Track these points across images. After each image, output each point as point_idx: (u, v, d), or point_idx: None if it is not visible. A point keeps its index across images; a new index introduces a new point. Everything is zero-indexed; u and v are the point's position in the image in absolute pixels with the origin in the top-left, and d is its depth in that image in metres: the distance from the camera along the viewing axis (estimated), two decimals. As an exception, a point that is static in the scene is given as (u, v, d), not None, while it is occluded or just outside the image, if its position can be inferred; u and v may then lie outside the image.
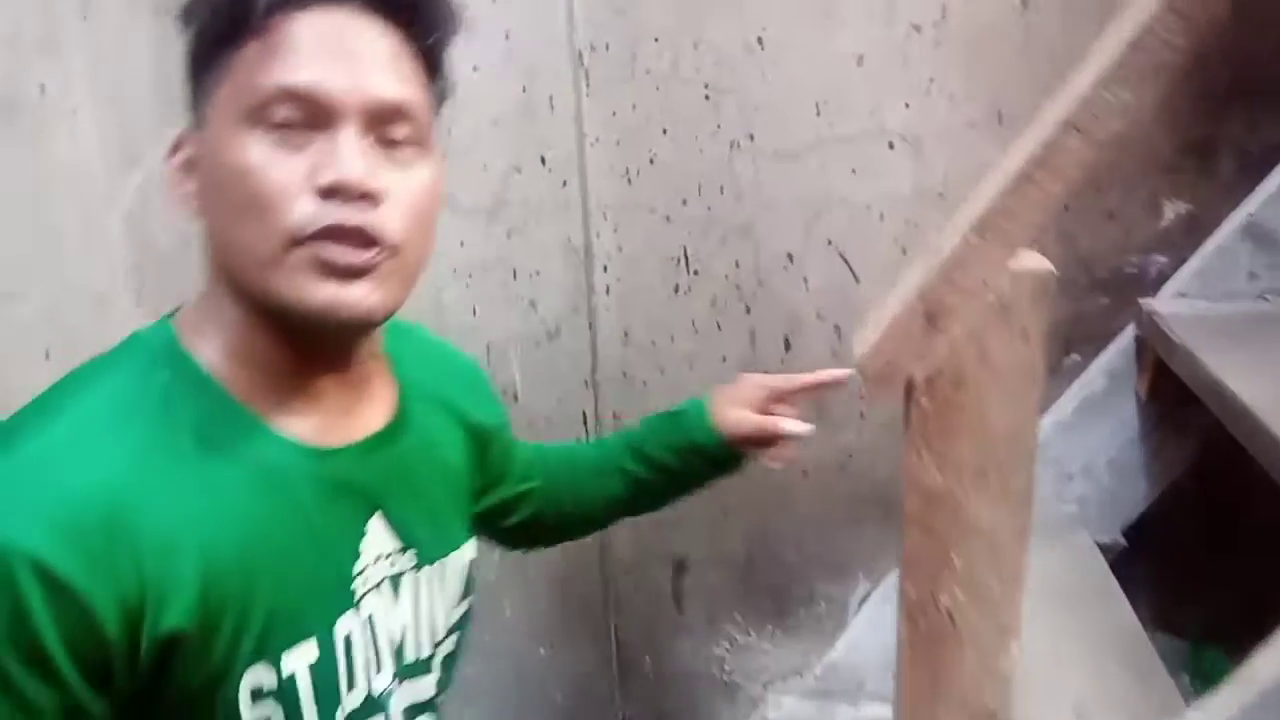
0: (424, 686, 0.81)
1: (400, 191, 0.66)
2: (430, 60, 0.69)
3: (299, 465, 0.69)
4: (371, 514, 0.74)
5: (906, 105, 1.38)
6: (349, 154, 0.63)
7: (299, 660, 0.68)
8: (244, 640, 0.65)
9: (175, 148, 0.69)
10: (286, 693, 0.67)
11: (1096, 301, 1.44)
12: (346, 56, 0.64)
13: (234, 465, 0.66)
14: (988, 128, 1.37)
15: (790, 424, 0.99)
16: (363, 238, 0.63)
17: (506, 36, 1.40)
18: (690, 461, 1.01)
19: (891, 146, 1.40)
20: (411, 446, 0.78)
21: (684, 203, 1.46)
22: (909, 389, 0.71)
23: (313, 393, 0.71)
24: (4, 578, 0.57)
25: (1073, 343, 1.45)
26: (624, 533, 1.57)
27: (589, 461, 1.05)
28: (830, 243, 1.44)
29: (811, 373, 1.00)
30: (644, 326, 1.51)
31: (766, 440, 1.00)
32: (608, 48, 1.41)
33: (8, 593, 0.57)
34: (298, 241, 0.63)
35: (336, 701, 0.71)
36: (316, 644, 0.69)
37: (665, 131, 1.43)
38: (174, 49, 0.67)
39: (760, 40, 1.38)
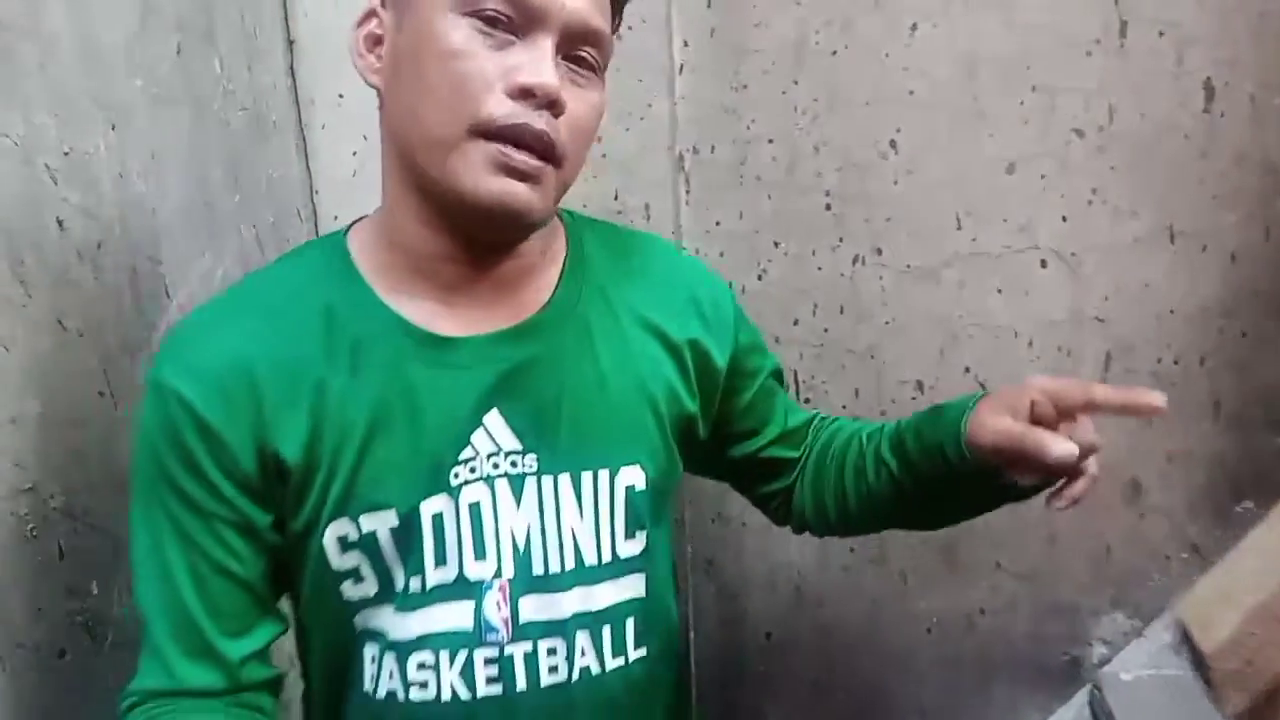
0: (557, 607, 0.77)
1: (577, 109, 0.70)
2: (616, 5, 0.74)
3: (412, 348, 0.73)
4: (489, 408, 0.75)
5: (1063, 218, 1.19)
6: (548, 63, 0.67)
7: (378, 522, 0.73)
8: (331, 491, 0.73)
9: (364, 19, 0.73)
10: (368, 544, 0.74)
11: (1272, 441, 1.24)
12: None
13: (351, 338, 0.73)
14: (1156, 245, 1.18)
15: (1053, 441, 0.69)
16: (542, 142, 0.67)
17: (599, 139, 1.21)
18: (936, 466, 0.79)
19: (1044, 264, 1.20)
20: (566, 348, 0.77)
21: (795, 323, 1.27)
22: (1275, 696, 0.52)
23: (445, 281, 0.74)
24: (166, 409, 0.71)
25: (1243, 487, 1.26)
26: (716, 692, 1.37)
27: (854, 439, 0.89)
28: (968, 370, 1.25)
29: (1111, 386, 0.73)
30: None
31: (1020, 458, 0.71)
32: (713, 150, 1.22)
33: (169, 420, 0.71)
34: (480, 133, 0.67)
35: (419, 569, 0.74)
36: (396, 515, 0.73)
37: (777, 244, 1.24)
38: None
39: (894, 144, 1.18)
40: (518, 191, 0.68)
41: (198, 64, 1.06)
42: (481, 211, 0.69)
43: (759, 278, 1.26)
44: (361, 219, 0.80)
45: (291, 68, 1.23)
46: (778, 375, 0.92)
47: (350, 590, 0.76)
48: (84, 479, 0.85)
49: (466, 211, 0.70)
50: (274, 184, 1.20)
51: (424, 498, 0.74)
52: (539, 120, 0.67)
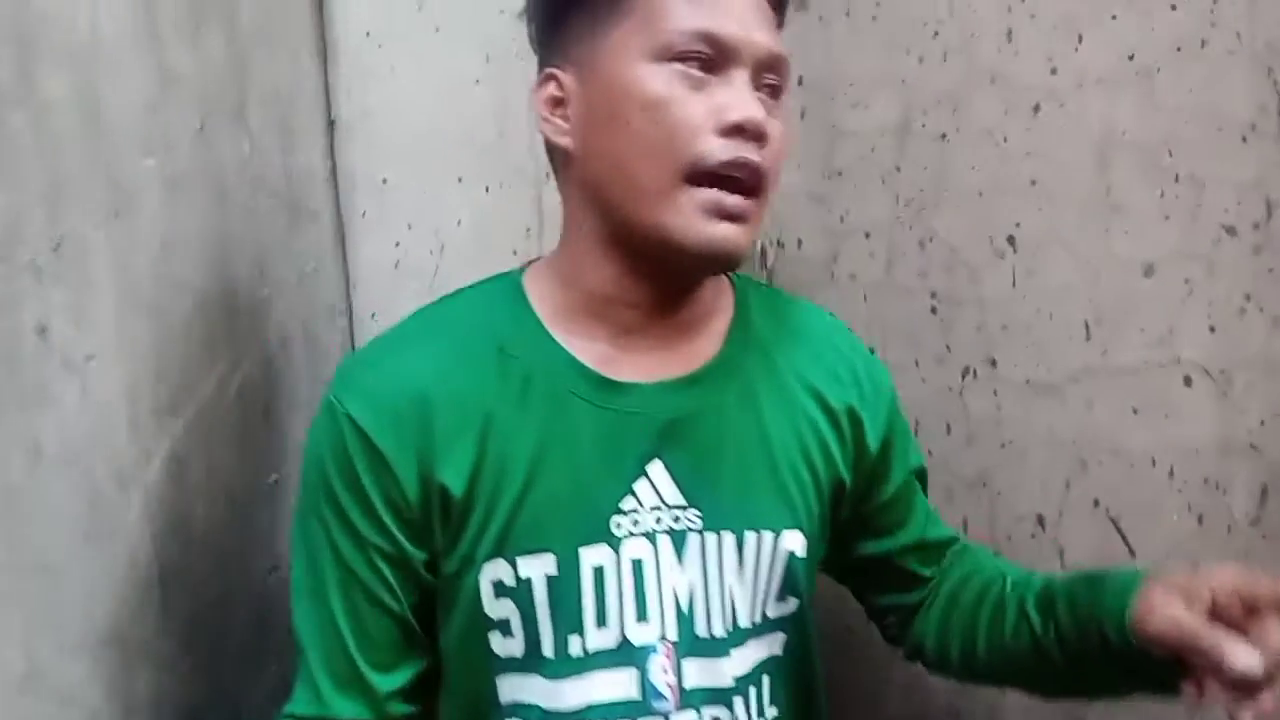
0: (719, 673, 0.76)
1: (775, 135, 0.71)
2: (780, 10, 0.76)
3: (582, 387, 0.74)
4: (652, 457, 0.75)
5: (1211, 328, 1.02)
6: (750, 97, 0.70)
7: (535, 568, 0.73)
8: (489, 527, 0.73)
9: (543, 82, 0.75)
10: (521, 595, 0.73)
11: None
12: (745, 8, 0.72)
13: (522, 373, 0.74)
14: (1324, 359, 1.00)
15: (1236, 648, 0.62)
16: (758, 175, 0.69)
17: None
18: (1089, 642, 0.73)
19: (1188, 382, 1.03)
20: (731, 402, 0.77)
21: (895, 443, 1.10)
22: None
23: (620, 325, 0.75)
24: (337, 429, 0.74)
25: None
26: None
27: (996, 581, 0.84)
28: (1097, 504, 1.07)
29: None
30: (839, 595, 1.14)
31: (1192, 657, 0.64)
32: (800, 244, 1.08)
33: (340, 439, 0.74)
34: (695, 177, 0.69)
35: (577, 627, 0.73)
36: (555, 560, 0.73)
37: (873, 351, 1.08)
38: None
39: (1012, 240, 1.03)
40: (730, 235, 0.70)
41: (224, 143, 0.93)
42: (696, 258, 0.71)
43: (852, 390, 1.10)
44: (536, 260, 0.81)
45: (331, 149, 1.11)
46: (921, 476, 0.89)
47: (498, 644, 0.75)
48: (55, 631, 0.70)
49: (679, 258, 0.72)
50: (306, 279, 1.07)
51: (583, 544, 0.73)
52: (755, 153, 0.69)
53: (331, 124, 1.10)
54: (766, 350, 0.80)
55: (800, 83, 1.06)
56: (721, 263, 0.73)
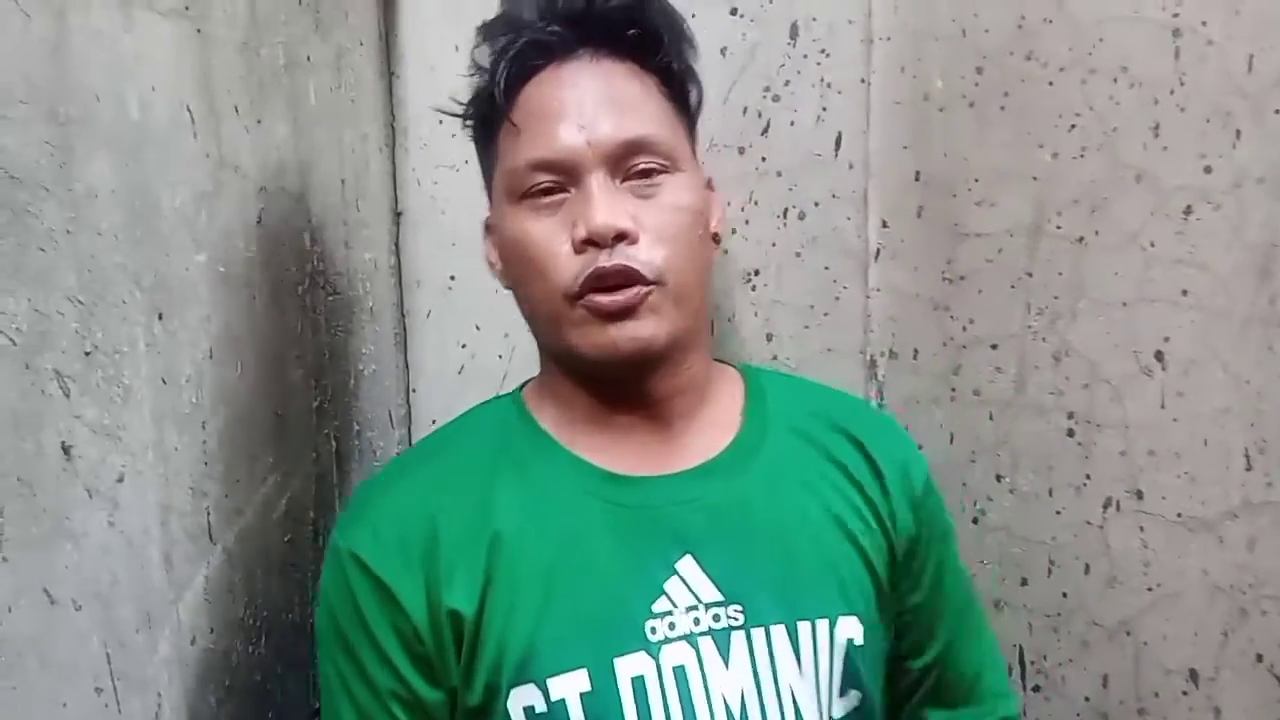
0: None
1: (654, 223, 0.69)
2: (667, 76, 0.73)
3: (597, 488, 0.72)
4: (681, 554, 0.71)
5: (1398, 460, 0.88)
6: (595, 203, 0.68)
7: (569, 687, 0.68)
8: (510, 650, 0.68)
9: (486, 231, 0.78)
10: (556, 717, 0.68)
11: None
12: (581, 111, 0.70)
13: (532, 484, 0.72)
14: None
15: None
16: (626, 275, 0.67)
17: (769, 338, 0.97)
18: None
19: (1373, 521, 0.89)
20: (757, 487, 0.74)
21: (1024, 584, 0.97)
22: None
23: (620, 428, 0.74)
24: (341, 572, 0.71)
25: None
26: None
27: None
28: (1261, 659, 0.92)
29: None
30: None
31: None
32: (915, 355, 0.97)
33: (345, 582, 0.71)
34: (572, 297, 0.68)
35: None
36: (588, 676, 0.68)
37: (1000, 478, 0.96)
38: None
39: (1160, 356, 0.91)
40: (629, 331, 0.68)
41: (283, 236, 0.84)
42: (608, 365, 0.69)
43: (975, 521, 0.97)
44: (531, 380, 0.80)
45: (396, 244, 1.02)
46: (963, 600, 0.83)
47: None
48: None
49: (597, 368, 0.71)
50: (364, 382, 0.97)
51: (618, 655, 0.69)
52: (610, 258, 0.67)
53: (398, 216, 1.02)
54: (790, 431, 0.77)
55: (917, 178, 0.95)
56: (636, 360, 0.70)
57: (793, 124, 0.96)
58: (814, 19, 0.94)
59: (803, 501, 0.75)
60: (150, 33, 0.68)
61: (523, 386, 0.79)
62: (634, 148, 0.69)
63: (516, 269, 0.72)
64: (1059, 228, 0.92)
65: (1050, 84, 0.91)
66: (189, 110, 0.72)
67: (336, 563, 0.71)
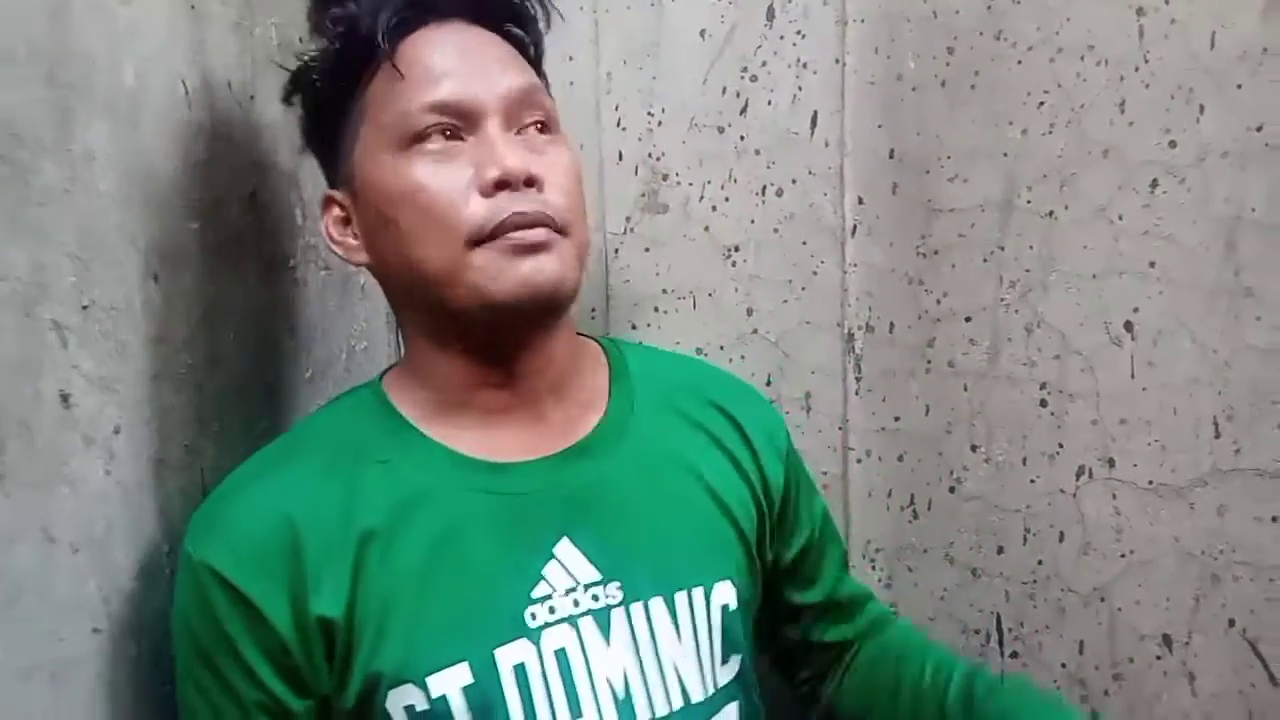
0: None
1: (554, 174, 0.68)
2: (534, 58, 0.75)
3: (466, 478, 0.69)
4: (558, 537, 0.70)
5: (1364, 426, 0.90)
6: (504, 147, 0.67)
7: (450, 683, 0.65)
8: (386, 651, 0.65)
9: (325, 208, 0.74)
10: (440, 716, 0.65)
11: None
12: (472, 61, 0.69)
13: (398, 479, 0.69)
14: None
15: None
16: (540, 218, 0.66)
17: (749, 312, 0.99)
18: None
19: (1340, 487, 0.91)
20: (628, 464, 0.73)
21: (1000, 551, 0.98)
22: None
23: (487, 408, 0.71)
24: (198, 584, 0.65)
25: None
26: None
27: (918, 667, 0.84)
28: (1233, 624, 0.94)
29: None
30: None
31: None
32: (892, 329, 0.99)
33: (202, 595, 0.65)
34: (478, 242, 0.65)
35: None
36: (470, 669, 0.66)
37: (975, 448, 0.98)
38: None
39: (1130, 326, 0.93)
40: (543, 265, 0.66)
41: (276, 211, 0.87)
42: (517, 304, 0.66)
43: (951, 490, 0.99)
44: (392, 366, 0.77)
45: (386, 223, 1.04)
46: (827, 523, 0.89)
47: None
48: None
49: (500, 314, 0.67)
50: (355, 357, 0.99)
51: (498, 645, 0.67)
52: (525, 202, 0.66)
53: (389, 197, 1.04)
54: (655, 403, 0.77)
55: (891, 155, 0.98)
56: (544, 298, 0.67)
57: (770, 103, 0.98)
58: (790, 1, 0.97)
59: (672, 473, 0.75)
60: (146, 5, 0.71)
61: (382, 376, 0.76)
62: (528, 97, 0.69)
63: (401, 222, 0.67)
64: (1029, 202, 0.94)
65: (1019, 63, 0.93)
66: (183, 82, 0.75)
67: (191, 576, 0.66)
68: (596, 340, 0.81)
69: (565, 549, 0.70)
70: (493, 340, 0.70)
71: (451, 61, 0.69)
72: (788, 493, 0.82)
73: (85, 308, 0.64)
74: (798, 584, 0.86)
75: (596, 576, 0.70)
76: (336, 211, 0.73)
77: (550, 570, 0.69)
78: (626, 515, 0.72)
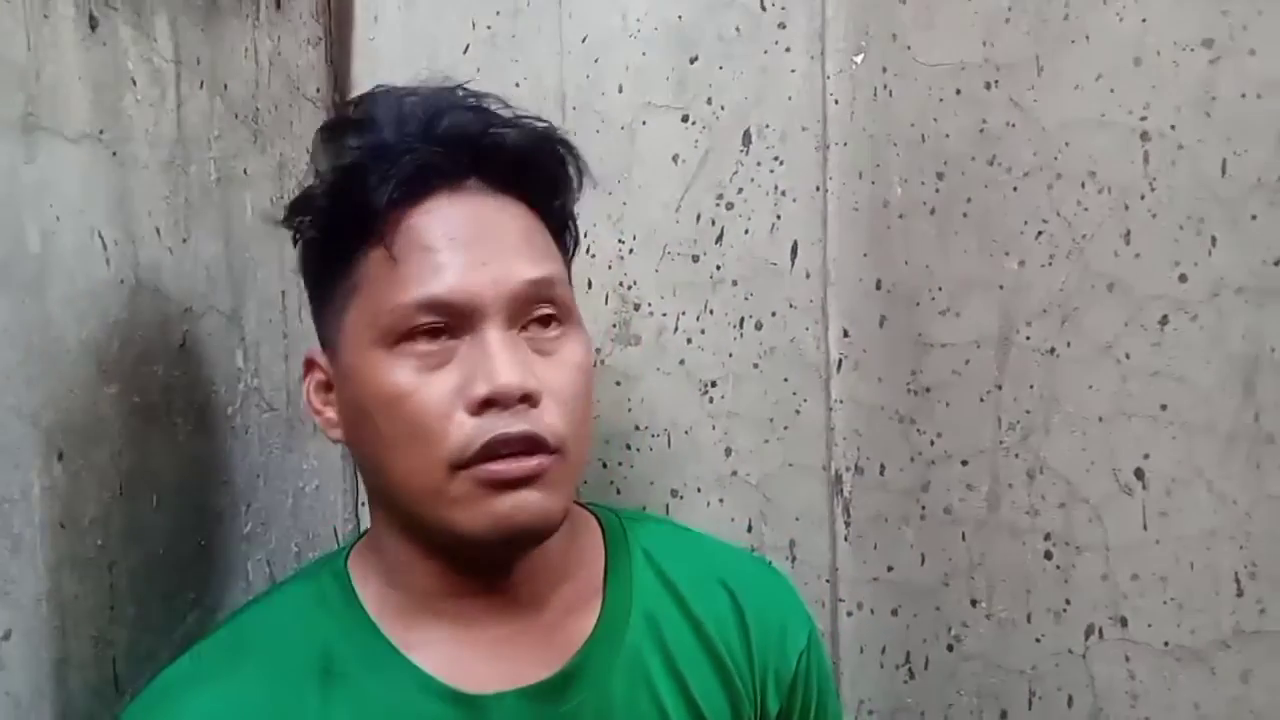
0: None
1: (556, 383, 0.61)
2: (560, 220, 0.67)
3: (431, 708, 0.61)
4: None
5: (1403, 587, 0.83)
6: (500, 359, 0.59)
7: None
8: None
9: (307, 369, 0.66)
10: None
11: None
12: (479, 246, 0.61)
13: (354, 695, 0.61)
14: None
15: None
16: (528, 443, 0.59)
17: (728, 452, 0.92)
18: None
19: (1378, 653, 0.83)
20: (613, 695, 0.64)
21: (1003, 715, 0.91)
22: None
23: (464, 619, 0.64)
24: None
25: None
26: None
27: None
28: (1263, 807, 0.85)
29: None
30: None
31: None
32: (882, 471, 0.92)
33: None
34: (461, 466, 0.58)
35: None
36: None
37: (975, 603, 0.90)
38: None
39: (1141, 474, 0.86)
40: (522, 502, 0.59)
41: (211, 357, 0.81)
42: (493, 544, 0.60)
43: (949, 649, 0.91)
44: (362, 536, 0.68)
45: (342, 354, 0.98)
46: None
47: None
48: None
49: (476, 549, 0.61)
50: (304, 499, 0.93)
51: None
52: (515, 424, 0.58)
53: (345, 326, 0.98)
54: (653, 597, 0.68)
55: (878, 286, 0.91)
56: (524, 538, 0.61)
57: (747, 232, 0.92)
58: (767, 125, 0.91)
59: (668, 699, 0.66)
60: (56, 160, 0.66)
61: (347, 554, 0.67)
62: (539, 290, 0.61)
63: (382, 429, 0.60)
64: (1028, 338, 0.88)
65: (1015, 189, 0.87)
66: (100, 236, 0.69)
67: None
68: (591, 511, 0.72)
69: None
70: (473, 558, 0.63)
71: (454, 246, 0.60)
72: (786, 710, 0.72)
73: (-31, 509, 0.58)
74: None
75: None
76: (319, 376, 0.65)
77: None
78: None
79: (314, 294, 0.66)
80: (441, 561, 0.63)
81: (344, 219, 0.62)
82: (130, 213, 0.72)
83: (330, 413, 0.64)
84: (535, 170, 0.64)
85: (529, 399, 0.59)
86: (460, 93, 0.64)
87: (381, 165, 0.60)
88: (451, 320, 0.59)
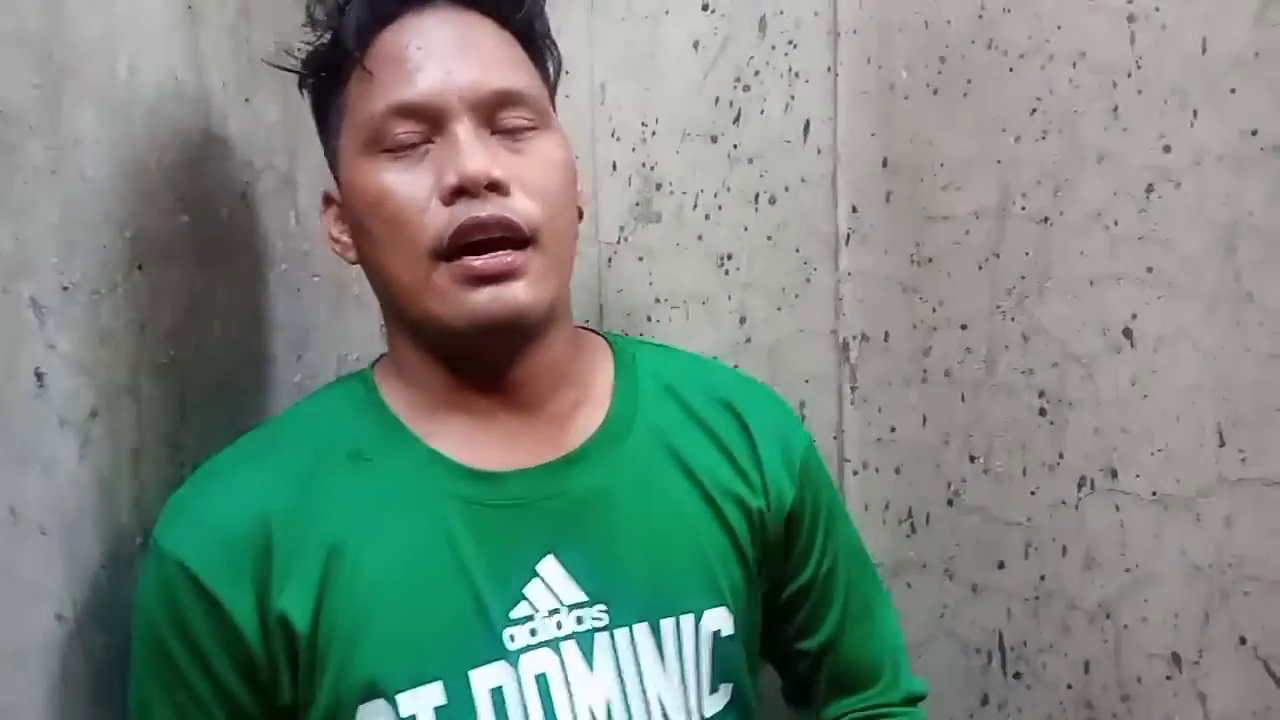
0: None
1: (528, 175, 0.64)
2: (529, 37, 0.69)
3: (452, 485, 0.66)
4: (543, 554, 0.66)
5: (1373, 434, 0.88)
6: (466, 149, 0.62)
7: (421, 702, 0.62)
8: (356, 664, 0.62)
9: (325, 203, 0.72)
10: None
11: None
12: (444, 56, 0.65)
13: (380, 479, 0.66)
14: None
15: None
16: (502, 224, 0.62)
17: (742, 321, 0.98)
18: None
19: (1351, 497, 0.88)
20: (625, 472, 0.69)
21: (1000, 566, 0.96)
22: None
23: (477, 411, 0.68)
24: (164, 577, 0.63)
25: None
26: None
27: None
28: (1244, 641, 0.90)
29: None
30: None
31: None
32: (887, 337, 0.98)
33: (167, 589, 0.63)
34: (439, 255, 0.62)
35: None
36: (443, 690, 0.63)
37: (974, 459, 0.96)
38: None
39: (1129, 333, 0.92)
40: (502, 295, 0.63)
41: (269, 212, 0.88)
42: (473, 334, 0.64)
43: (949, 503, 0.97)
44: (382, 356, 0.73)
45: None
46: (859, 568, 0.80)
47: None
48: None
49: (461, 340, 0.65)
50: (347, 368, 0.99)
51: (474, 665, 0.63)
52: (484, 208, 0.62)
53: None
54: (658, 402, 0.73)
55: (885, 164, 0.98)
56: (503, 328, 0.64)
57: (763, 112, 0.99)
58: (781, 12, 0.98)
59: (672, 482, 0.71)
60: (143, 2, 0.72)
61: (374, 364, 0.73)
62: (504, 98, 0.65)
63: (372, 229, 0.65)
64: (1024, 209, 0.94)
65: (1011, 70, 0.94)
66: (176, 78, 0.76)
67: (158, 567, 0.64)
68: (603, 336, 0.77)
69: (550, 567, 0.66)
70: (469, 353, 0.68)
71: (423, 55, 0.65)
72: (797, 513, 0.75)
73: (66, 289, 0.64)
74: (797, 624, 0.79)
75: (582, 598, 0.66)
76: (335, 210, 0.72)
77: (532, 589, 0.66)
78: (619, 530, 0.68)
79: (321, 133, 0.72)
80: (446, 360, 0.68)
81: (327, 52, 0.68)
82: (203, 64, 0.79)
83: (345, 238, 0.70)
84: None
85: (497, 187, 0.63)
86: None
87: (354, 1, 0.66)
88: (424, 124, 0.64)
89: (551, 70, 0.72)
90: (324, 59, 0.69)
